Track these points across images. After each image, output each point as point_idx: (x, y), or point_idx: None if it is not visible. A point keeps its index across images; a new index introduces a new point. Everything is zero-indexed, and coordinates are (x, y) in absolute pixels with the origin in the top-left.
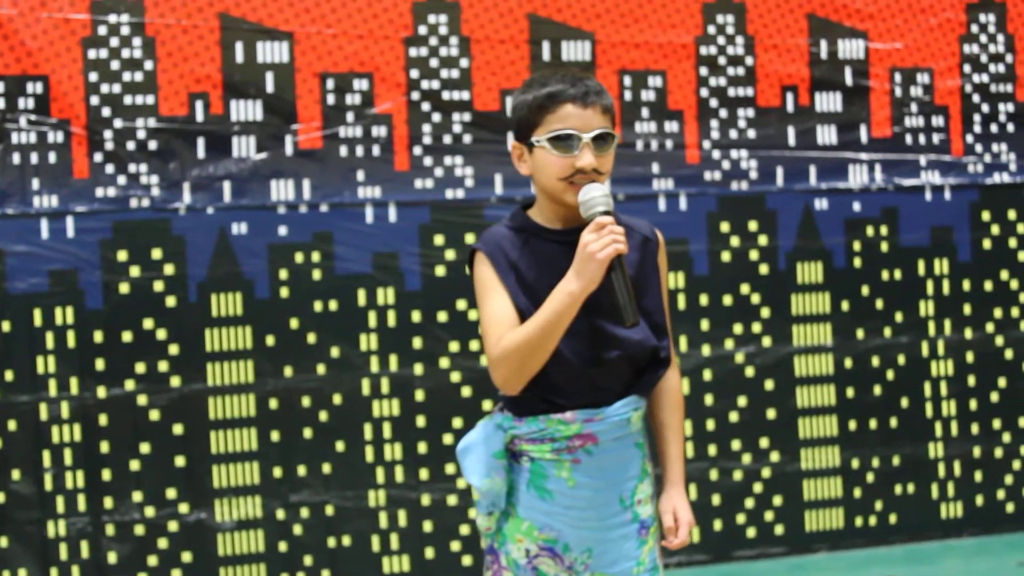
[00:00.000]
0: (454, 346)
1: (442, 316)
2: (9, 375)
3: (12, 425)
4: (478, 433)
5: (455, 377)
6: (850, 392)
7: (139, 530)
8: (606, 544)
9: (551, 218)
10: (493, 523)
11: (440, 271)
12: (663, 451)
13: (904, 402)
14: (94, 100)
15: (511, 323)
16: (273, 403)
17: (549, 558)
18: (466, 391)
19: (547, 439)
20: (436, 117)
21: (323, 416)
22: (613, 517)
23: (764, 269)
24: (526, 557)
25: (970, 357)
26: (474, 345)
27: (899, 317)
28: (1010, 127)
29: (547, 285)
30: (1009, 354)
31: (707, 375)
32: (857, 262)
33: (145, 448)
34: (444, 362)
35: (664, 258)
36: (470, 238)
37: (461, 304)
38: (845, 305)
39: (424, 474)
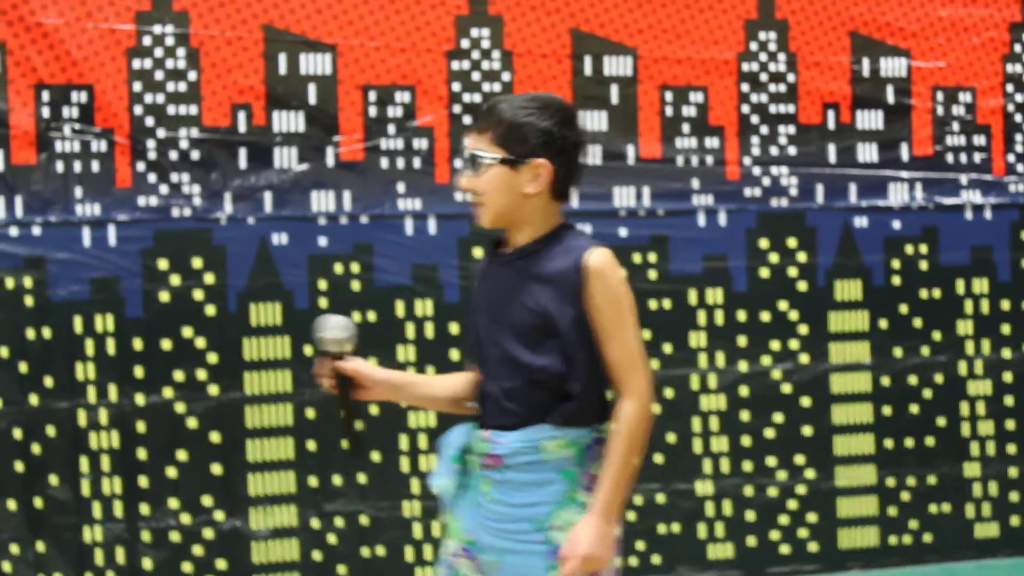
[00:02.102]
0: None
1: None
2: (49, 381)
3: (51, 431)
4: (449, 435)
5: None
6: (887, 410)
7: (175, 537)
8: (515, 556)
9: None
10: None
11: None
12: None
13: (941, 421)
14: (138, 110)
15: (471, 354)
16: (310, 413)
17: (466, 559)
18: None
19: (474, 452)
20: None
21: (359, 426)
22: (524, 535)
23: (803, 286)
24: (451, 554)
25: (1008, 377)
26: None
27: (937, 336)
28: None
29: (483, 310)
30: None
31: (744, 391)
32: (896, 280)
33: (182, 456)
34: None
35: (600, 288)
36: None
37: None
38: (883, 323)
39: None
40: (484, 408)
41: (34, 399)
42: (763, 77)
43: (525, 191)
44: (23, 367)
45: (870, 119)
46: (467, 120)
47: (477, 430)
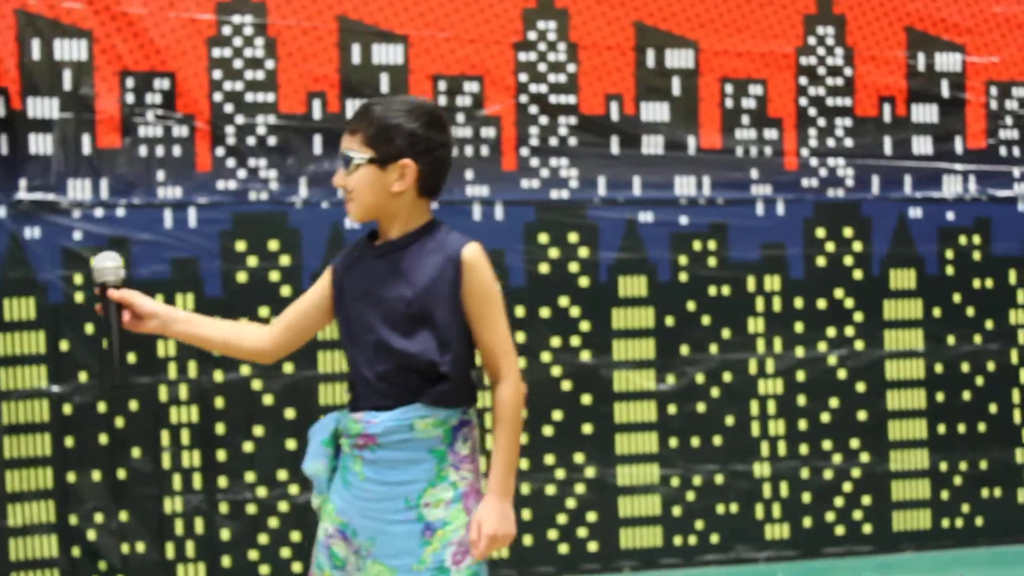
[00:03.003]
0: (555, 341)
1: (544, 312)
2: (131, 357)
3: (133, 405)
4: (320, 422)
5: (555, 371)
6: (940, 396)
7: (251, 509)
8: (388, 537)
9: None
10: (321, 503)
11: (544, 268)
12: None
13: (993, 408)
14: (217, 97)
15: (286, 315)
16: None
17: (341, 540)
18: (566, 385)
19: (347, 434)
20: (543, 120)
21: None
22: (396, 514)
23: (858, 275)
24: (325, 535)
25: None
26: (575, 341)
27: (989, 325)
28: None
29: (355, 298)
30: None
31: (800, 376)
32: (949, 270)
33: (258, 431)
34: (545, 356)
35: (475, 280)
36: (573, 237)
37: (563, 301)
38: (937, 311)
39: (524, 464)
40: (357, 392)
41: None
42: (821, 71)
43: (393, 189)
44: (107, 344)
45: (925, 112)
46: (533, 110)
47: (350, 414)
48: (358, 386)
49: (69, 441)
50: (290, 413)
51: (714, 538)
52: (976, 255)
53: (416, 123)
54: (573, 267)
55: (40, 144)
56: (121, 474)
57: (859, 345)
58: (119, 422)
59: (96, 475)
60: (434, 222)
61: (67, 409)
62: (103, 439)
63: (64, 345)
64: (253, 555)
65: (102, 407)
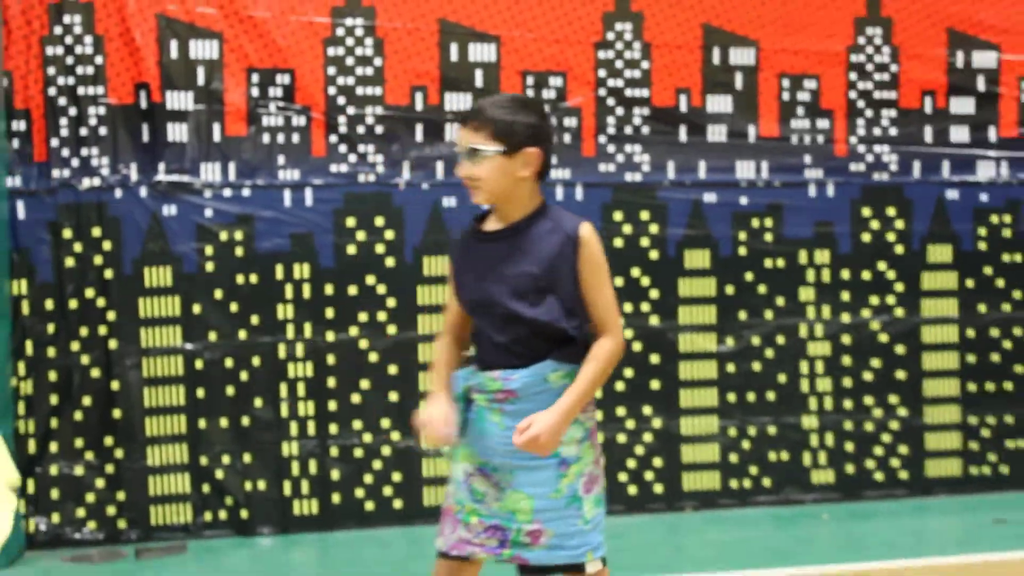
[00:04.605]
0: (627, 307)
1: (618, 281)
2: (255, 319)
3: (256, 361)
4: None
5: (627, 333)
6: (971, 358)
7: (358, 453)
8: (528, 471)
9: (492, 218)
10: (452, 449)
11: (618, 243)
12: None
13: (1019, 368)
14: (331, 90)
15: (452, 316)
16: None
17: (480, 477)
18: (636, 346)
19: (483, 391)
20: (619, 111)
21: None
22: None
23: (900, 250)
24: (464, 476)
25: None
26: (645, 307)
27: (1018, 295)
28: None
29: (479, 277)
30: None
31: (846, 339)
32: (983, 246)
33: (365, 384)
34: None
35: (589, 253)
36: (645, 215)
37: (635, 271)
38: (970, 283)
39: (599, 415)
40: (488, 354)
41: (242, 334)
42: (869, 67)
43: (519, 175)
44: (233, 307)
45: (962, 105)
46: (611, 102)
47: (483, 372)
48: (487, 350)
49: (200, 392)
50: (393, 369)
51: (766, 482)
52: (1007, 232)
53: (533, 116)
54: (644, 242)
55: (177, 132)
56: (245, 421)
57: (899, 312)
58: (243, 376)
59: (223, 422)
60: (546, 204)
61: (198, 364)
62: (230, 390)
63: (196, 308)
64: (359, 493)
65: (229, 363)
